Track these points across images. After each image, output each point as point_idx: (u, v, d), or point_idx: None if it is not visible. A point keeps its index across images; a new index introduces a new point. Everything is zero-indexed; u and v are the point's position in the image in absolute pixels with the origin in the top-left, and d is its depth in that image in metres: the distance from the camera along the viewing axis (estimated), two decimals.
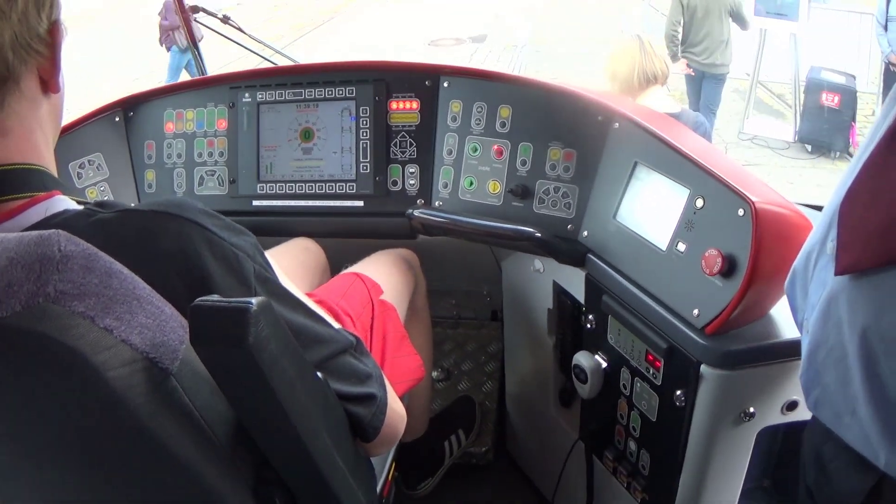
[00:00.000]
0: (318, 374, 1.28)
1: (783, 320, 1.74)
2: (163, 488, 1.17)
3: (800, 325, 1.39)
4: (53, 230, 0.97)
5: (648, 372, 1.89)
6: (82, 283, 0.94)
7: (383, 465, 1.91)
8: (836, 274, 1.20)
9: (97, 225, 1.12)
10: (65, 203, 1.18)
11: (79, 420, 1.04)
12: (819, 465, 1.38)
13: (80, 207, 1.18)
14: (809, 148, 9.11)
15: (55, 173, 1.27)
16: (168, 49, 10.79)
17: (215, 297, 0.98)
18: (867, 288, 1.16)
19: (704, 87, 8.63)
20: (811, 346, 1.31)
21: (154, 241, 1.13)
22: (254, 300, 0.97)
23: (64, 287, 0.93)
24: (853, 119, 8.73)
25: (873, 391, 1.18)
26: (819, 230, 1.32)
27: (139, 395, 0.98)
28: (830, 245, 1.24)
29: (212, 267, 1.15)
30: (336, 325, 1.45)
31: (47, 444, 1.11)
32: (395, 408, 1.52)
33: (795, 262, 1.42)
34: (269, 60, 2.92)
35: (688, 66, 8.41)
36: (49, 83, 1.22)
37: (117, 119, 2.50)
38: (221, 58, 3.04)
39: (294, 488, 1.26)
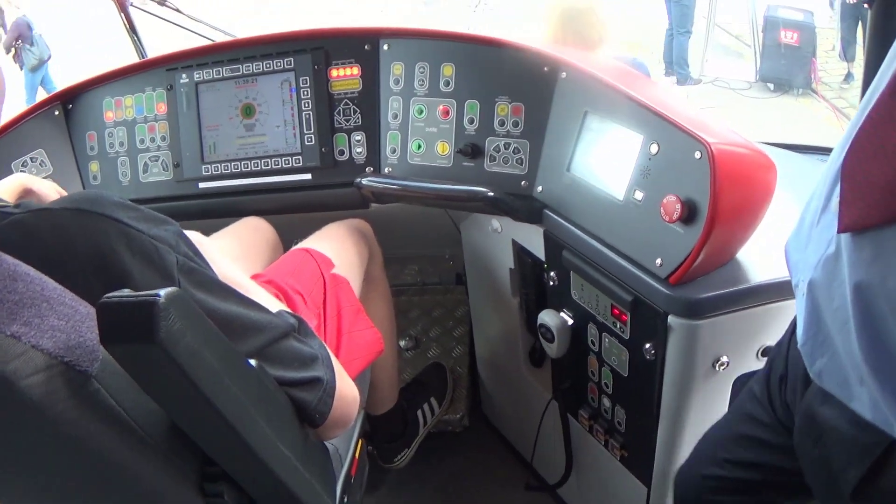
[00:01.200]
0: (253, 362, 1.22)
1: (751, 265, 1.69)
2: (102, 493, 1.12)
3: (795, 287, 1.32)
4: None
5: (615, 326, 1.84)
6: None
7: (348, 446, 1.85)
8: (839, 231, 1.13)
9: (10, 227, 1.07)
10: None
11: (4, 435, 0.99)
12: (814, 431, 1.32)
13: None
14: (772, 86, 9.17)
15: None
16: (21, 67, 10.20)
17: (124, 292, 0.92)
18: (871, 246, 1.09)
19: (673, 10, 9.30)
20: (813, 310, 1.24)
21: (68, 240, 1.08)
22: (162, 292, 0.91)
23: None
24: (814, 55, 8.81)
25: (879, 355, 1.11)
26: (822, 187, 1.24)
27: (59, 402, 0.94)
28: (835, 202, 1.16)
29: (129, 263, 1.09)
30: (275, 309, 1.40)
31: None
32: (346, 388, 1.46)
33: (798, 221, 1.34)
34: (209, 39, 2.84)
35: None
36: None
37: (57, 113, 2.42)
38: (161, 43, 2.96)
39: (240, 481, 1.21)
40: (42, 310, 0.95)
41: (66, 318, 0.96)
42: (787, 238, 1.37)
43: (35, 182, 1.99)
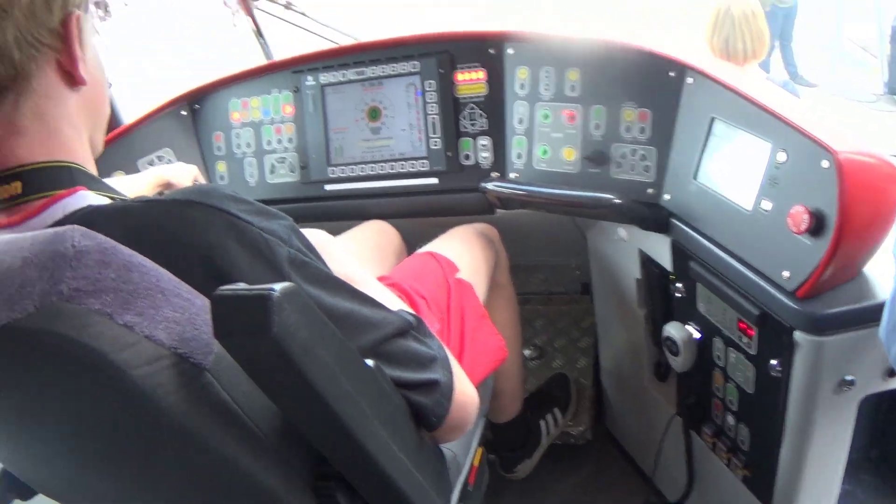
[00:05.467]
0: (369, 361, 1.19)
1: (877, 280, 1.62)
2: (212, 488, 1.13)
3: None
4: (69, 226, 0.93)
5: (742, 341, 1.78)
6: (98, 279, 0.91)
7: (467, 453, 1.84)
8: None
9: (119, 218, 1.08)
10: (88, 199, 1.13)
11: (114, 421, 1.00)
12: None
13: (106, 202, 1.14)
14: None
15: (91, 168, 1.22)
16: None
17: (239, 286, 0.91)
18: None
19: (771, 20, 8.92)
20: (891, 296, 1.27)
21: (177, 231, 1.08)
22: (277, 286, 0.90)
23: (78, 284, 0.89)
24: None
25: None
26: None
27: (171, 393, 0.94)
28: None
29: (238, 255, 1.09)
30: (395, 308, 1.37)
31: (91, 448, 1.09)
32: (466, 392, 1.41)
33: None
34: (333, 42, 2.87)
35: None
36: (74, 76, 1.16)
37: (184, 112, 2.49)
38: (287, 45, 3.01)
39: (353, 482, 1.18)
40: (157, 301, 0.95)
41: (181, 310, 0.97)
42: None
43: (168, 172, 2.04)
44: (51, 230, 0.94)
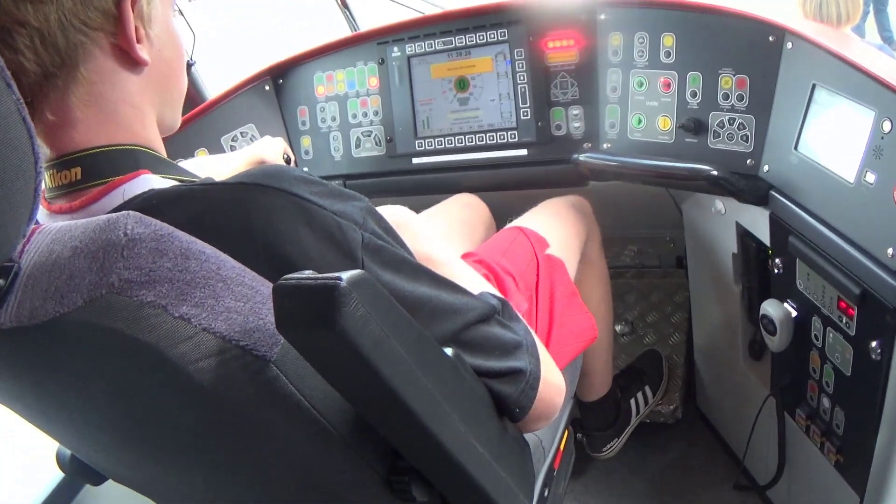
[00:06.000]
0: (449, 351, 1.13)
1: None
2: (280, 483, 1.09)
3: None
4: (123, 212, 0.89)
5: (841, 321, 1.70)
6: (152, 269, 0.87)
7: (553, 437, 1.80)
8: None
9: (181, 203, 1.04)
10: (151, 182, 1.09)
11: (173, 416, 0.98)
12: None
13: (170, 185, 1.10)
14: None
15: (159, 149, 1.19)
16: None
17: (304, 273, 0.85)
18: None
19: None
20: None
21: (242, 216, 1.03)
22: (345, 274, 0.84)
23: (130, 275, 0.86)
24: None
25: None
26: None
27: (234, 388, 0.90)
28: None
29: (307, 240, 1.03)
30: (478, 290, 1.31)
31: (152, 441, 1.07)
32: (551, 380, 1.33)
33: None
34: (418, 12, 2.83)
35: None
36: (133, 57, 1.11)
37: (267, 87, 2.50)
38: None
39: (429, 477, 1.13)
40: (217, 290, 0.91)
41: (244, 300, 0.93)
42: None
43: (261, 150, 2.02)
44: (103, 217, 0.90)
